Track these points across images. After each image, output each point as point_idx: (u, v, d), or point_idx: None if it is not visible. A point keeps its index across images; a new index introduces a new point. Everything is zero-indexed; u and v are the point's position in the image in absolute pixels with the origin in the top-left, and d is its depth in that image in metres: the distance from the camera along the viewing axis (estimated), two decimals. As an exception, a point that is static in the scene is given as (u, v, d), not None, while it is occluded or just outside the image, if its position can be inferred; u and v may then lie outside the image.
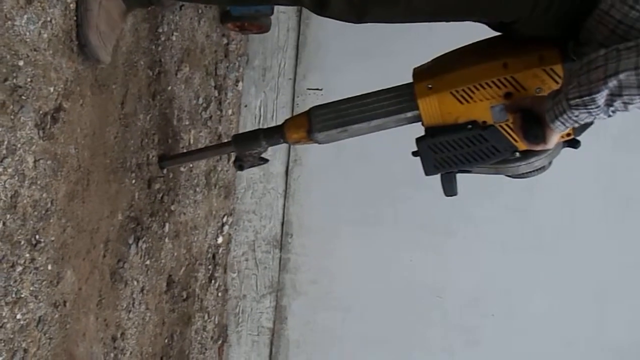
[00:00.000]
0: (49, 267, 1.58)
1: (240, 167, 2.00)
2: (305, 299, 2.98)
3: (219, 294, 2.90)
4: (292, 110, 2.89)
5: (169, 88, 2.20)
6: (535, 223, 2.76)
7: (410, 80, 1.68)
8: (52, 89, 1.53)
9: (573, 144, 1.69)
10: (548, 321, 2.77)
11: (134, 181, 2.00)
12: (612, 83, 1.25)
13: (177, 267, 2.38)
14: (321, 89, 2.84)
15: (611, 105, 1.30)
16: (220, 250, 2.85)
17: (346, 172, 2.88)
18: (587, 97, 1.30)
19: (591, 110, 1.32)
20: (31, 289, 1.52)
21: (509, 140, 1.60)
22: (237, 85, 2.83)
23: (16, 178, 1.43)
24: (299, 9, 2.87)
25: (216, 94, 2.62)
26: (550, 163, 1.71)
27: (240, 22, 2.54)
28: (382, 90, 1.74)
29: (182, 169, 2.35)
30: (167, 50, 2.16)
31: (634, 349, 2.70)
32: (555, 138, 1.47)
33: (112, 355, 1.98)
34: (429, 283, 2.86)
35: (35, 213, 1.51)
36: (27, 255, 1.49)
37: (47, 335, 1.60)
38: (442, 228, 2.83)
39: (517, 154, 1.62)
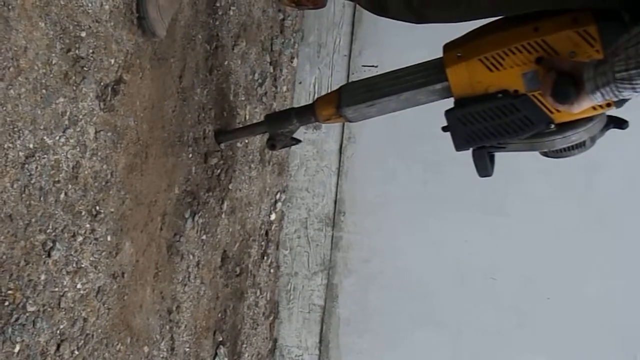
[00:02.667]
0: (109, 238, 1.59)
1: (273, 147, 1.97)
2: (356, 277, 2.96)
3: (271, 271, 2.89)
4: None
5: (226, 63, 2.18)
6: (593, 204, 2.67)
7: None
8: (112, 61, 1.52)
9: (620, 124, 1.60)
10: (603, 306, 2.69)
11: (190, 155, 1.99)
12: None
13: (231, 242, 2.38)
14: (376, 66, 2.79)
15: None
16: (273, 227, 2.84)
17: (400, 150, 2.84)
18: (634, 71, 1.20)
19: (636, 86, 1.23)
20: (91, 259, 1.53)
21: (543, 111, 1.50)
22: (292, 62, 2.79)
23: (78, 149, 1.43)
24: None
25: (271, 70, 2.60)
26: (593, 141, 1.60)
27: (297, -2, 2.50)
28: (414, 65, 1.69)
29: (238, 144, 2.33)
30: (224, 24, 2.14)
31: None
32: (586, 104, 1.36)
33: (167, 327, 1.98)
34: (483, 264, 2.80)
35: (96, 184, 1.51)
36: (88, 225, 1.50)
37: (105, 305, 1.61)
38: (497, 208, 2.76)
39: (553, 127, 1.52)
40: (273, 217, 2.82)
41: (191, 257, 2.08)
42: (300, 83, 2.89)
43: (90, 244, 1.51)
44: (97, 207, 1.52)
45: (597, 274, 2.68)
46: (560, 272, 2.74)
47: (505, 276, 2.79)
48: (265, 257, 2.79)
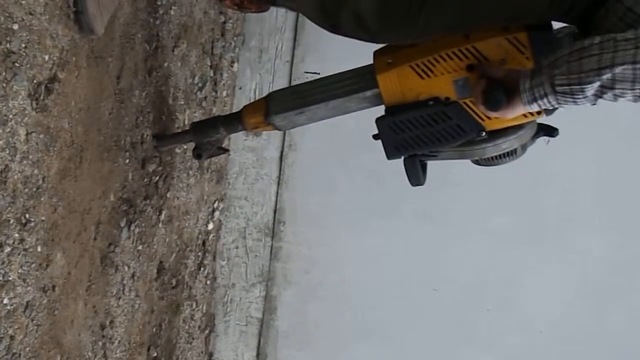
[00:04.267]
0: (39, 249, 1.48)
1: (199, 157, 1.90)
2: (296, 289, 2.89)
3: (208, 282, 2.79)
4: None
5: (166, 64, 2.09)
6: (535, 216, 2.70)
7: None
8: (47, 57, 1.41)
9: (550, 132, 1.62)
10: (545, 317, 2.72)
11: (127, 161, 1.89)
12: (606, 75, 1.16)
13: (168, 253, 2.28)
14: (319, 73, 2.74)
15: (600, 97, 1.22)
16: (210, 237, 2.75)
17: (342, 159, 2.79)
18: (576, 87, 1.20)
19: (577, 99, 1.24)
20: (19, 271, 1.41)
21: (474, 118, 1.49)
22: (232, 66, 2.72)
23: (7, 151, 1.32)
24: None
25: (212, 74, 2.51)
26: (524, 149, 1.61)
27: (239, 0, 2.43)
28: (344, 72, 1.66)
29: (177, 150, 2.24)
30: (165, 24, 2.05)
31: (633, 347, 2.65)
32: (518, 111, 1.37)
33: (100, 344, 1.87)
34: (425, 275, 2.78)
35: (26, 190, 1.40)
36: (17, 235, 1.39)
37: (34, 321, 1.49)
38: (440, 219, 2.75)
39: (484, 134, 1.51)
40: (210, 226, 2.72)
41: (126, 268, 1.97)
42: (240, 88, 2.82)
43: (18, 255, 1.40)
44: (27, 215, 1.41)
45: (537, 286, 2.70)
46: (501, 283, 2.75)
47: (446, 287, 2.78)
48: (202, 268, 2.69)
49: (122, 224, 1.91)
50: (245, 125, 1.77)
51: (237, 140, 2.83)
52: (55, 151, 1.49)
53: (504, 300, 2.75)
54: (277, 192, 2.86)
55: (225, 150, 1.92)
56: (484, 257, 2.72)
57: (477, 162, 1.66)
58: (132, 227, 1.96)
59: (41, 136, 1.43)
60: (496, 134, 1.53)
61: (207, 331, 2.85)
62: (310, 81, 1.69)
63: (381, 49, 1.59)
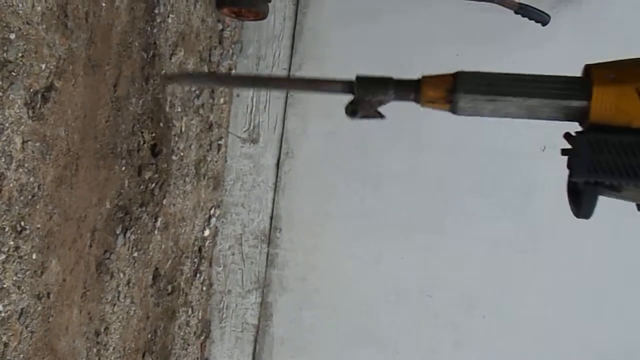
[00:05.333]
0: (34, 256, 1.48)
1: (354, 113, 1.74)
2: (292, 295, 2.90)
3: (204, 289, 2.80)
4: (286, 102, 2.79)
5: (163, 72, 2.10)
6: (529, 224, 2.70)
7: (576, 74, 1.46)
8: (43, 66, 1.42)
9: None
10: (539, 324, 2.72)
11: (124, 168, 1.90)
12: None
13: (163, 259, 2.28)
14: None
15: None
16: (206, 244, 2.76)
17: (338, 167, 2.80)
18: None
19: None
20: (14, 278, 1.42)
21: None
22: (230, 74, 2.73)
23: (3, 160, 1.33)
24: (296, -3, 2.78)
25: (209, 82, 2.52)
26: None
27: (237, 8, 2.45)
28: (545, 75, 1.48)
29: (173, 157, 2.24)
30: (163, 32, 2.06)
31: (625, 352, 2.66)
32: None
33: (94, 350, 1.88)
34: (420, 281, 2.79)
35: (22, 198, 1.41)
36: (12, 242, 1.39)
37: (28, 328, 1.50)
38: (435, 226, 2.75)
39: None
40: (207, 233, 2.73)
41: (121, 275, 1.98)
42: (238, 96, 2.83)
43: (13, 262, 1.41)
44: (22, 223, 1.42)
45: (532, 293, 2.70)
46: (496, 290, 2.75)
47: (441, 294, 2.78)
48: (197, 275, 2.70)
49: (118, 231, 1.91)
50: (420, 96, 1.57)
51: (234, 147, 2.84)
52: (51, 159, 1.50)
53: (498, 306, 2.75)
54: (274, 199, 2.86)
55: (382, 117, 1.73)
56: (478, 263, 2.72)
57: None
58: (128, 234, 1.96)
59: (37, 144, 1.44)
60: None
61: (202, 337, 2.85)
62: (502, 73, 1.51)
63: (600, 64, 1.44)
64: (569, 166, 1.42)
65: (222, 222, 2.87)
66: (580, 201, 1.44)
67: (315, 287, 2.87)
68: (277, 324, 2.93)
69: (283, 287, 2.91)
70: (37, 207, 1.47)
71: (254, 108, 2.83)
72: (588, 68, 1.44)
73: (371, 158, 2.75)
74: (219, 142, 2.72)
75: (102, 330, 1.91)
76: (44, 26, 1.40)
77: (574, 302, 2.70)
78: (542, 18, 2.38)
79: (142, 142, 2.00)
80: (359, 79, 1.63)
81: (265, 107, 2.82)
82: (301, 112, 2.80)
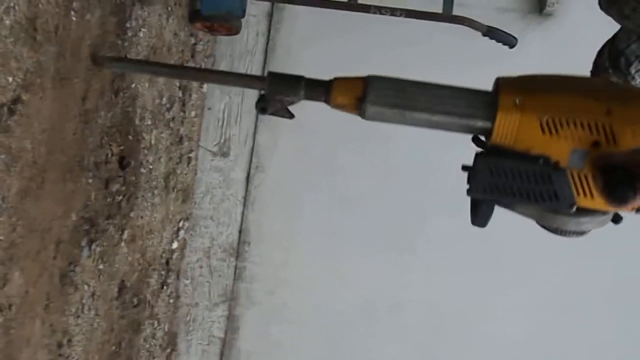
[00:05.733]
0: (-4, 268, 1.48)
1: (263, 110, 1.73)
2: (259, 309, 2.91)
3: (171, 301, 2.80)
4: (257, 116, 2.82)
5: (133, 85, 2.11)
6: (495, 244, 2.74)
7: (489, 89, 1.47)
8: (10, 79, 1.43)
9: (617, 219, 1.49)
10: (506, 340, 2.77)
11: (91, 180, 1.90)
12: None
13: (130, 272, 2.28)
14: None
15: None
16: (174, 256, 2.76)
17: (309, 182, 2.83)
18: None
19: None
20: (-25, 291, 1.42)
21: (572, 192, 1.40)
22: (201, 87, 2.74)
23: (-34, 172, 1.33)
24: (270, 12, 2.81)
25: (180, 95, 2.54)
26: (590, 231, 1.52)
27: (210, 23, 2.47)
28: (459, 87, 1.49)
29: (142, 170, 2.25)
30: (134, 46, 2.07)
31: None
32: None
33: (57, 362, 1.87)
34: (388, 298, 2.82)
35: (-15, 210, 1.41)
36: (-27, 254, 1.39)
37: (-11, 340, 1.50)
38: (403, 244, 2.79)
39: (573, 209, 1.42)
40: (175, 245, 2.74)
41: (86, 287, 1.98)
42: (209, 109, 2.84)
43: (-26, 274, 1.41)
44: (-15, 235, 1.42)
45: (499, 309, 2.75)
46: (463, 307, 2.79)
47: (410, 313, 2.82)
48: (164, 287, 2.70)
49: (83, 243, 1.91)
50: (329, 100, 1.56)
51: (204, 160, 2.85)
52: (16, 171, 1.50)
53: (467, 323, 2.79)
54: (243, 213, 2.88)
55: (292, 116, 1.70)
56: (446, 281, 2.77)
57: (544, 227, 1.60)
58: (93, 246, 1.96)
59: (2, 156, 1.44)
60: (583, 212, 1.42)
61: (168, 350, 2.85)
62: (414, 81, 1.49)
63: (510, 80, 1.45)
64: (468, 182, 1.46)
65: (191, 234, 2.87)
66: (478, 212, 1.48)
67: (284, 301, 2.89)
68: (244, 338, 2.94)
69: (251, 301, 2.93)
70: (1, 218, 1.47)
71: (225, 122, 2.85)
72: (497, 84, 1.44)
73: (341, 175, 2.78)
74: (189, 155, 2.73)
75: (65, 342, 1.90)
76: (12, 39, 1.41)
77: (541, 319, 2.75)
78: (509, 40, 2.43)
79: (110, 155, 2.01)
80: (271, 75, 1.63)
81: (236, 120, 2.84)
82: (272, 126, 2.83)
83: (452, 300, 2.78)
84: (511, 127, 1.40)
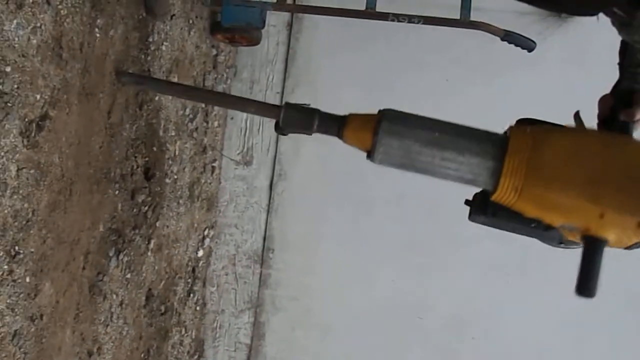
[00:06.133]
0: (27, 280, 1.53)
1: (282, 133, 1.77)
2: (284, 315, 2.94)
3: (197, 308, 2.84)
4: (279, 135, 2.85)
5: (157, 98, 2.16)
6: (519, 245, 2.74)
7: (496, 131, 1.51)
8: (38, 97, 1.48)
9: None
10: (529, 345, 2.76)
11: (117, 192, 1.95)
12: None
13: (157, 280, 2.33)
14: (309, 104, 2.80)
15: None
16: (200, 264, 2.80)
17: (330, 190, 2.86)
18: None
19: None
20: (8, 301, 1.47)
21: (563, 237, 1.49)
22: (224, 97, 2.79)
23: (-2, 187, 1.38)
24: (289, 22, 2.85)
25: (203, 106, 2.58)
26: None
27: (230, 34, 2.51)
28: (465, 151, 1.48)
29: (167, 180, 2.30)
30: (156, 59, 2.12)
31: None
32: None
33: (87, 370, 1.92)
34: (411, 303, 2.83)
35: (16, 223, 1.46)
36: (6, 267, 1.44)
37: (22, 349, 1.54)
38: (426, 248, 2.80)
39: (562, 245, 1.53)
40: (200, 253, 2.78)
41: (114, 296, 2.02)
42: (232, 119, 2.89)
43: (7, 285, 1.45)
44: (17, 247, 1.47)
45: (521, 315, 2.75)
46: (485, 312, 2.80)
47: (432, 315, 2.83)
48: (191, 295, 2.75)
49: (111, 254, 1.96)
50: (343, 138, 1.60)
51: (228, 169, 2.90)
52: (45, 185, 1.55)
53: (488, 328, 2.80)
54: (267, 220, 2.92)
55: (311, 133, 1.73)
56: (468, 286, 2.77)
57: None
58: (121, 256, 2.01)
59: (32, 171, 1.49)
60: (572, 243, 1.52)
61: (196, 356, 2.89)
62: (427, 139, 1.50)
63: (516, 148, 1.46)
64: (470, 209, 1.59)
65: (216, 242, 2.92)
66: (587, 283, 1.52)
67: (308, 307, 2.92)
68: (270, 344, 2.97)
69: (276, 307, 2.96)
70: (31, 231, 1.52)
71: (247, 131, 2.89)
72: (507, 137, 1.46)
73: (363, 181, 2.80)
74: (213, 164, 2.78)
75: (95, 350, 1.95)
76: (39, 58, 1.46)
77: (564, 324, 2.74)
78: (527, 44, 2.44)
79: (135, 167, 2.05)
80: (287, 106, 1.69)
81: (258, 129, 2.88)
82: (294, 135, 2.85)
83: (474, 305, 2.78)
84: (508, 201, 1.44)
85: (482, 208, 1.56)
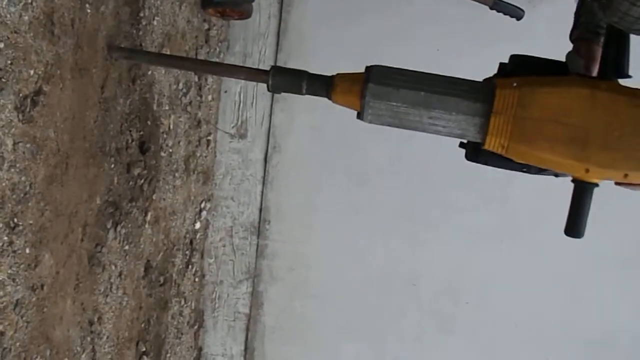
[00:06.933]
0: (27, 251, 1.58)
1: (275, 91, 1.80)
2: (281, 285, 3.00)
3: (196, 280, 2.90)
4: (273, 98, 2.89)
5: (149, 72, 2.19)
6: (511, 213, 2.80)
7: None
8: (32, 72, 1.51)
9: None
10: (521, 309, 2.82)
11: (113, 165, 1.99)
12: None
13: (155, 252, 2.38)
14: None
15: None
16: (197, 236, 2.85)
17: (324, 161, 2.90)
18: None
19: None
20: (9, 272, 1.52)
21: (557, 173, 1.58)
22: (217, 71, 2.81)
23: (-5, 161, 1.42)
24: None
25: (196, 80, 2.61)
26: None
27: (222, 8, 2.52)
28: (455, 94, 1.55)
29: (162, 154, 2.34)
30: (148, 34, 2.15)
31: (605, 339, 2.76)
32: None
33: (88, 339, 1.97)
34: (405, 271, 2.89)
35: (14, 196, 1.50)
36: (5, 238, 1.49)
37: (24, 318, 1.60)
38: (419, 217, 2.85)
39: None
40: (198, 226, 2.83)
41: (113, 267, 2.08)
42: (226, 92, 2.92)
43: (7, 256, 1.50)
44: (15, 220, 1.51)
45: (514, 279, 2.80)
46: (479, 278, 2.85)
47: (425, 282, 2.89)
48: (189, 266, 2.80)
49: (109, 225, 2.01)
50: (331, 97, 1.63)
51: (223, 142, 2.93)
52: (41, 159, 1.59)
53: (480, 294, 2.86)
54: (262, 192, 2.96)
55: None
56: (461, 252, 2.83)
57: None
58: (119, 228, 2.06)
59: (28, 145, 1.53)
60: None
61: (196, 327, 2.96)
62: (414, 100, 1.54)
63: (502, 106, 1.50)
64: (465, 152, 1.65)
65: (213, 215, 2.97)
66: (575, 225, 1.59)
67: (304, 277, 2.97)
68: (268, 313, 3.03)
69: (273, 277, 3.02)
70: (29, 204, 1.56)
71: (241, 104, 2.92)
72: (494, 89, 1.50)
73: (356, 152, 2.85)
74: (208, 137, 2.81)
75: (96, 320, 2.01)
76: (32, 34, 1.49)
77: (555, 288, 2.80)
78: (516, 13, 2.46)
79: (130, 141, 2.09)
80: (274, 70, 1.71)
81: (252, 103, 2.91)
82: (287, 107, 2.90)
83: (468, 271, 2.84)
84: (498, 152, 1.51)
85: (475, 154, 1.60)
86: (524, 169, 1.56)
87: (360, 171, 2.88)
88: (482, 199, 2.82)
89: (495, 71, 1.61)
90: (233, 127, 2.93)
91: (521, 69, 1.58)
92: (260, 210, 2.97)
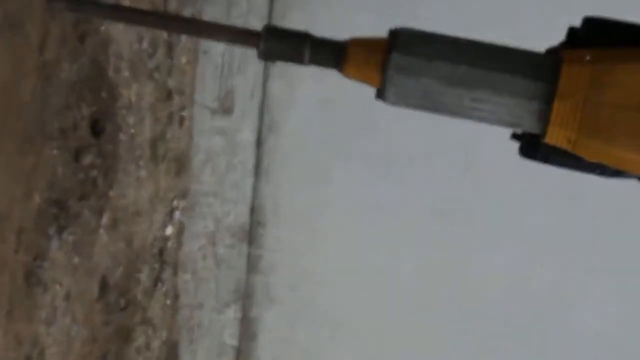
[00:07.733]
0: (-56, 266, 1.57)
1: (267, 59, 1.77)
2: (281, 309, 3.00)
3: (168, 302, 2.89)
4: (266, 62, 2.87)
5: (103, 28, 2.18)
6: (577, 215, 2.79)
7: None
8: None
9: None
10: (593, 332, 2.82)
11: (55, 152, 1.98)
12: None
13: (113, 266, 2.37)
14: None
15: None
16: (169, 244, 2.85)
17: (337, 144, 2.88)
18: None
19: None
20: None
21: None
22: (193, 26, 2.80)
23: None
24: None
25: (165, 37, 2.60)
26: None
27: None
28: (503, 88, 1.53)
29: (121, 136, 2.33)
30: (101, -23, 2.13)
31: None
32: None
33: (26, 381, 1.98)
34: (445, 289, 2.88)
35: None
36: None
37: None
38: (463, 218, 2.84)
39: None
40: (169, 231, 2.82)
41: (58, 287, 2.07)
42: (205, 53, 2.90)
43: None
44: None
45: (583, 299, 2.80)
46: (541, 297, 2.85)
47: (473, 303, 2.88)
48: (159, 284, 2.79)
49: (51, 232, 2.00)
50: (342, 69, 1.59)
51: (202, 120, 2.92)
52: (-39, 143, 1.59)
53: (545, 317, 2.85)
54: (255, 186, 2.95)
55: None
56: (518, 264, 2.81)
57: None
58: (65, 235, 2.05)
59: (-57, 126, 1.52)
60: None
61: (168, 364, 2.96)
62: (452, 76, 1.51)
63: (568, 90, 1.50)
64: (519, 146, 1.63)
65: (189, 216, 2.96)
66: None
67: (310, 297, 2.96)
68: (264, 346, 3.03)
69: (270, 298, 3.01)
70: (-55, 204, 1.56)
71: (225, 68, 2.90)
72: (559, 66, 1.50)
73: (378, 133, 2.83)
74: (182, 113, 2.80)
75: (35, 355, 2.00)
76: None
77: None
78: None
79: (79, 119, 2.08)
80: (267, 31, 1.64)
81: (239, 67, 2.89)
82: (287, 73, 2.88)
83: (526, 286, 2.83)
84: (563, 145, 1.50)
85: (532, 149, 1.58)
86: (597, 171, 1.55)
87: (386, 158, 2.86)
88: (543, 194, 2.80)
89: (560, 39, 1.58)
90: (215, 99, 2.92)
91: (598, 37, 1.56)
92: (252, 209, 2.96)
